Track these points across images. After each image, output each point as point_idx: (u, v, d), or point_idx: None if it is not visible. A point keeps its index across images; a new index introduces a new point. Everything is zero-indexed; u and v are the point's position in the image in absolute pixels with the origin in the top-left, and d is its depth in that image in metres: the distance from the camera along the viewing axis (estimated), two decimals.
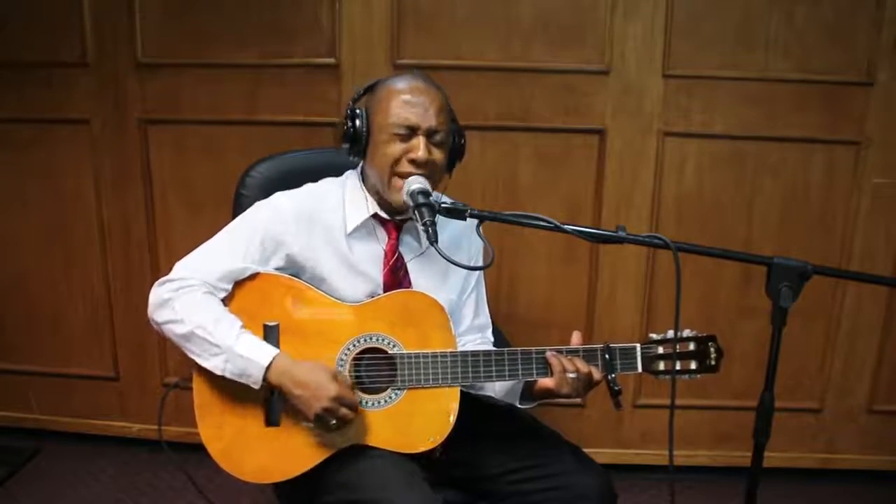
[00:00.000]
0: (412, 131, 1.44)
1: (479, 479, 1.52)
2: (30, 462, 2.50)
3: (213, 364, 1.39)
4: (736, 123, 2.25)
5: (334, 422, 1.39)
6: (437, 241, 1.32)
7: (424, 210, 1.35)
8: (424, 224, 1.34)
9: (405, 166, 1.44)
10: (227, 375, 1.39)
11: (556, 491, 1.44)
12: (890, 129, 2.22)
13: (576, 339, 1.46)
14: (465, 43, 2.23)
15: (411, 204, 1.38)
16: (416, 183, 1.40)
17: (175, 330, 1.41)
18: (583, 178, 2.31)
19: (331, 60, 2.26)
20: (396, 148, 1.44)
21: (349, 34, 2.24)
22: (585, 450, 1.54)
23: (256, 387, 1.39)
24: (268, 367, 1.38)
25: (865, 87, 2.20)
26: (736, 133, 2.26)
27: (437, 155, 1.46)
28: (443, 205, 1.37)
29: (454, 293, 1.60)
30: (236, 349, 1.38)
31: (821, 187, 2.29)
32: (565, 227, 1.32)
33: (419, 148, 1.43)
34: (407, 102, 1.44)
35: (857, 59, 2.19)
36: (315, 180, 1.59)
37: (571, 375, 1.40)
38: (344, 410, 1.38)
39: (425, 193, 1.38)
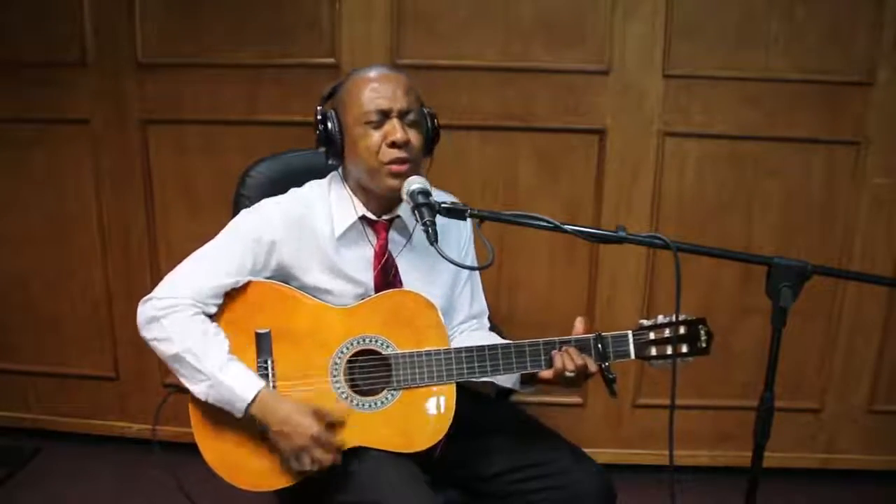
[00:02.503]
0: (385, 115, 1.44)
1: (478, 479, 1.52)
2: (30, 462, 2.50)
3: (198, 389, 1.39)
4: (736, 123, 2.25)
5: (309, 462, 1.37)
6: (437, 242, 1.32)
7: (424, 210, 1.34)
8: (425, 224, 1.33)
9: (387, 154, 1.44)
10: (211, 401, 1.39)
11: (555, 491, 1.44)
12: (890, 129, 2.22)
13: (579, 325, 1.45)
14: (466, 43, 2.23)
15: (411, 204, 1.37)
16: (416, 183, 1.39)
17: (164, 350, 1.41)
18: (583, 178, 2.31)
19: (331, 60, 2.26)
20: (375, 138, 1.44)
21: (349, 34, 2.24)
22: (585, 449, 1.54)
23: (238, 416, 1.39)
24: (251, 401, 1.38)
25: (865, 87, 2.20)
26: (736, 133, 2.26)
27: (414, 136, 1.46)
28: (443, 205, 1.37)
29: (446, 286, 1.60)
30: (221, 378, 1.37)
31: (821, 187, 2.29)
32: (565, 227, 1.32)
33: (396, 130, 1.43)
34: (374, 89, 1.45)
35: (857, 59, 2.19)
36: (315, 180, 1.58)
37: (570, 375, 1.40)
38: (319, 452, 1.37)
39: (425, 193, 1.37)
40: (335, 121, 1.47)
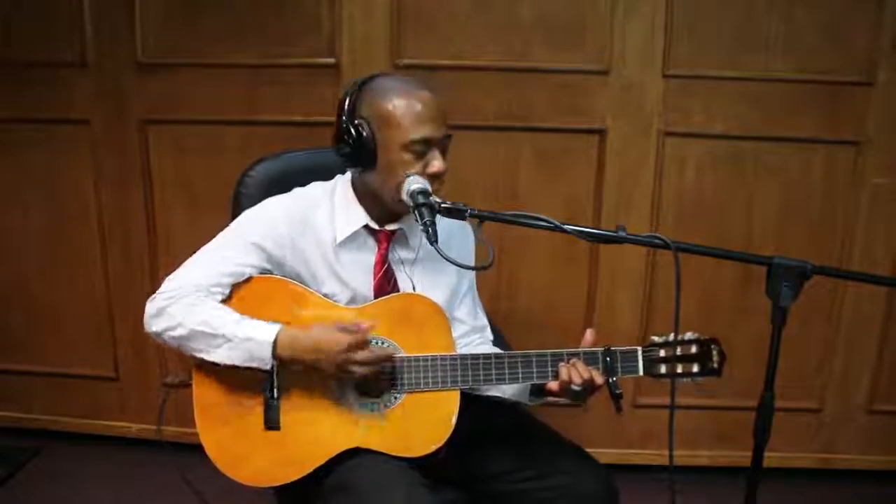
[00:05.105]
0: (428, 144, 1.41)
1: (480, 480, 1.51)
2: (30, 462, 2.50)
3: (219, 355, 1.38)
4: (736, 123, 2.25)
5: (359, 370, 1.36)
6: (437, 241, 1.32)
7: (424, 210, 1.34)
8: (424, 224, 1.33)
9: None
10: (236, 363, 1.37)
11: (558, 490, 1.44)
12: (890, 129, 2.22)
13: (589, 337, 1.43)
14: (466, 43, 2.23)
15: (411, 204, 1.37)
16: (416, 183, 1.38)
17: (175, 335, 1.40)
18: (583, 178, 2.31)
19: (330, 60, 2.26)
20: (417, 167, 1.40)
21: (349, 34, 2.24)
22: (585, 450, 1.54)
23: (266, 367, 1.37)
24: (274, 344, 1.36)
25: (865, 87, 2.20)
26: (736, 133, 2.26)
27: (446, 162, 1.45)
28: (443, 205, 1.36)
29: (445, 298, 1.57)
30: (239, 334, 1.37)
31: (821, 187, 2.29)
32: (565, 227, 1.31)
33: (438, 161, 1.41)
34: (419, 116, 1.39)
35: (856, 59, 2.19)
36: (315, 180, 1.58)
37: (576, 388, 1.39)
38: (361, 354, 1.36)
39: (425, 193, 1.37)
40: (370, 133, 1.40)
